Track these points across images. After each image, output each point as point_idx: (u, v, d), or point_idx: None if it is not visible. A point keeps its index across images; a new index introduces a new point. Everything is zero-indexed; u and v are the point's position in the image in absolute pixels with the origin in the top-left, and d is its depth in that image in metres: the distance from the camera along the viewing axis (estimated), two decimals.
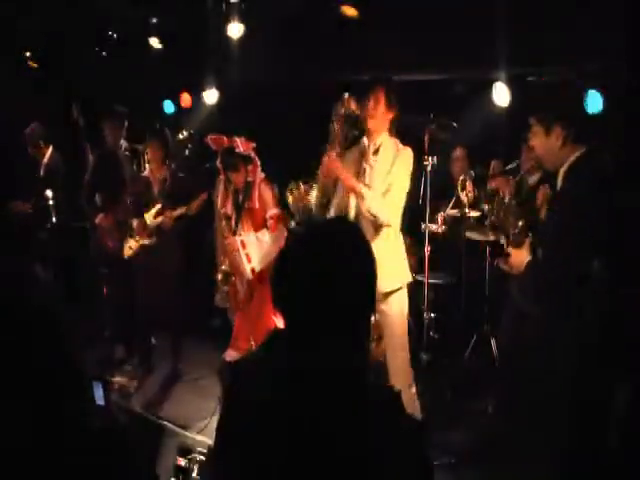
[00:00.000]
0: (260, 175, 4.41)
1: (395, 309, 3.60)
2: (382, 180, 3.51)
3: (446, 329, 5.11)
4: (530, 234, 3.06)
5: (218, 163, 4.41)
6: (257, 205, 4.39)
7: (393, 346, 3.64)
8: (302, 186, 4.03)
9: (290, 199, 4.12)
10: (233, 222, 4.43)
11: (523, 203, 3.77)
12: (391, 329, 3.63)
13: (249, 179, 4.38)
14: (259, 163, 4.40)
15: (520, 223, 3.27)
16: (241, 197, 4.42)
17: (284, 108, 5.88)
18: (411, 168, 3.58)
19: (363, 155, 3.62)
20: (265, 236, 4.37)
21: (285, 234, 4.36)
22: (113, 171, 5.38)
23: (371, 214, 3.45)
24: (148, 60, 6.28)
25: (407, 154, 3.57)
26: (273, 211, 4.40)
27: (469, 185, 4.77)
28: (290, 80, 5.81)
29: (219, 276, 4.52)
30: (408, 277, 3.73)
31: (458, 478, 3.64)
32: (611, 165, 2.70)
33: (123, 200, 5.22)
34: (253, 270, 4.32)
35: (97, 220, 5.34)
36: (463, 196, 4.80)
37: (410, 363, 3.68)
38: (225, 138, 4.33)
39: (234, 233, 4.41)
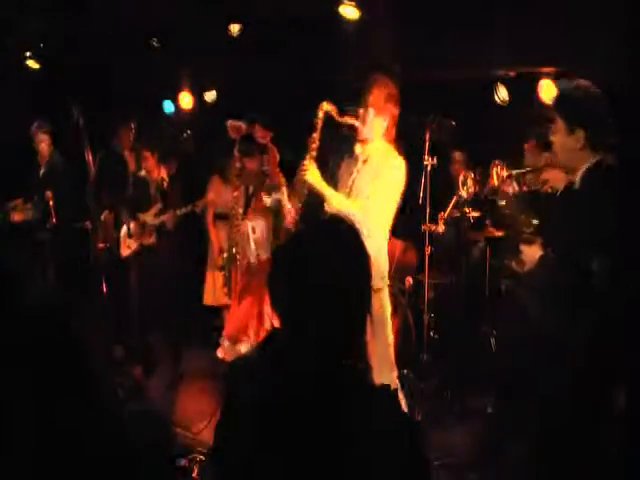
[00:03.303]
0: (277, 166, 4.47)
1: (376, 308, 3.59)
2: (365, 189, 3.51)
3: (446, 329, 5.11)
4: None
5: (236, 150, 4.46)
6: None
7: (376, 346, 3.63)
8: None
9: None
10: (241, 209, 4.47)
11: (537, 203, 3.75)
12: (373, 329, 3.62)
13: (264, 168, 4.43)
14: (277, 153, 4.45)
15: (535, 222, 3.27)
16: (252, 186, 4.45)
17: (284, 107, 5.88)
18: (401, 179, 3.47)
19: (354, 163, 3.63)
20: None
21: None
22: (119, 170, 5.41)
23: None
24: (148, 60, 6.27)
25: (396, 165, 3.48)
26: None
27: (471, 181, 4.73)
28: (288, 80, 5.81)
29: (224, 256, 4.58)
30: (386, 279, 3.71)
31: (458, 478, 3.64)
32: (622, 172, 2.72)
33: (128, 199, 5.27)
34: (258, 256, 4.38)
35: (102, 216, 5.37)
36: (464, 191, 4.74)
37: (394, 362, 3.68)
38: (243, 125, 4.39)
39: (243, 219, 4.46)
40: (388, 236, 3.64)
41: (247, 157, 4.40)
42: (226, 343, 4.39)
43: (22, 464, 1.41)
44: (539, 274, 2.85)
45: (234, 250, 4.52)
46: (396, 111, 3.52)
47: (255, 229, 4.40)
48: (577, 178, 2.74)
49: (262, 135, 4.36)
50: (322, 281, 1.35)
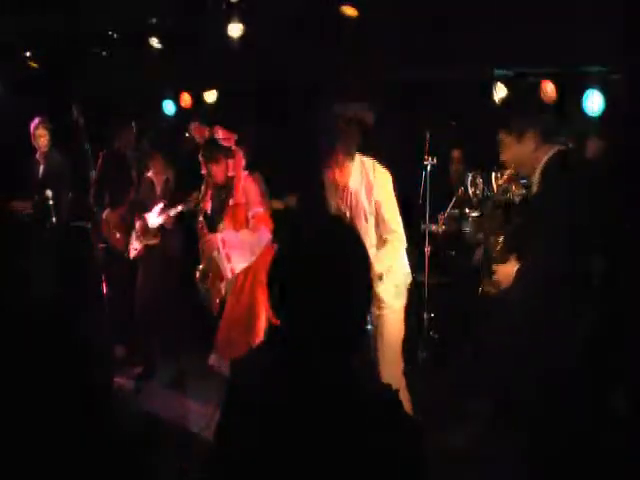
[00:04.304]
0: (243, 170, 4.22)
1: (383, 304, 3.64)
2: (362, 208, 3.61)
3: (446, 329, 5.11)
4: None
5: (200, 156, 4.22)
6: (240, 201, 4.18)
7: (385, 343, 3.65)
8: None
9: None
10: (214, 219, 4.26)
11: (505, 217, 3.71)
12: (385, 328, 3.64)
13: (230, 174, 4.19)
14: (242, 157, 4.26)
15: (501, 239, 3.17)
16: (223, 193, 4.25)
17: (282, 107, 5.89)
18: (388, 176, 3.62)
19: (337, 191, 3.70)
20: (246, 236, 4.12)
21: (268, 235, 4.14)
22: (121, 170, 5.41)
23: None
24: (148, 60, 6.28)
25: (379, 169, 3.64)
26: (256, 209, 4.17)
27: (479, 180, 4.70)
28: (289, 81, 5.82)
29: (197, 274, 4.33)
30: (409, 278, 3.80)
31: (458, 478, 3.64)
32: (589, 162, 2.69)
33: (130, 199, 5.26)
34: (232, 270, 4.09)
35: (104, 215, 5.37)
36: (471, 192, 4.72)
37: (402, 363, 3.70)
38: (207, 129, 4.22)
39: (214, 230, 4.21)
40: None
41: (212, 163, 4.15)
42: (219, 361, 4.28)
43: (22, 463, 1.41)
44: (519, 287, 2.77)
45: (205, 266, 4.24)
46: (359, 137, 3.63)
47: (226, 242, 4.07)
48: (535, 180, 2.67)
49: (225, 137, 4.15)
50: (321, 280, 1.35)
